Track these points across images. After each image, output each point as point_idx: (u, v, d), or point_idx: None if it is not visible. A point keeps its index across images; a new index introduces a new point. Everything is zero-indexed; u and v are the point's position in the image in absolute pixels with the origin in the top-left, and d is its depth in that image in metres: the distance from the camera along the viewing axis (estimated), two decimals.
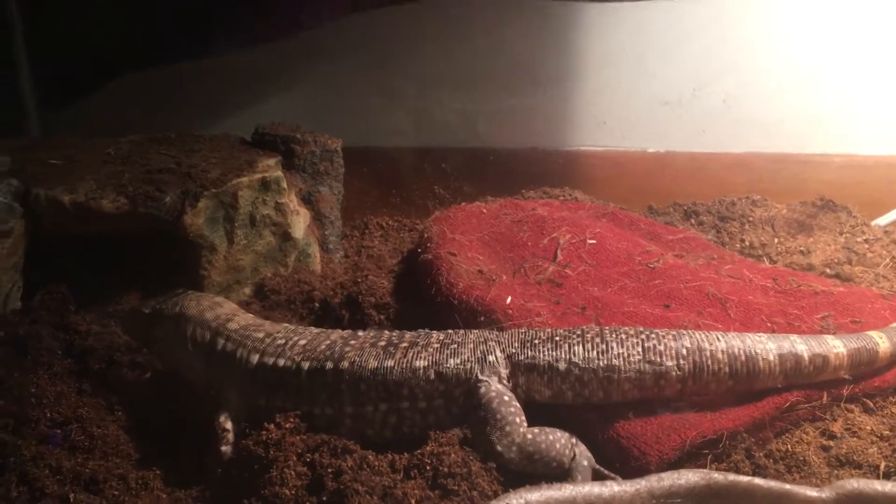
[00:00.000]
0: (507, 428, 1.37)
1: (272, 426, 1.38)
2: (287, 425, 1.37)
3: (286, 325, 1.61)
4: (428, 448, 1.32)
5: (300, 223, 2.05)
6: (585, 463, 1.37)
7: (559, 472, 1.35)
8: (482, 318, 1.62)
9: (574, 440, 1.40)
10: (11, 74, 2.69)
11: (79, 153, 2.08)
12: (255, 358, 1.50)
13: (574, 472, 1.35)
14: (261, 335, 1.53)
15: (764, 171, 2.57)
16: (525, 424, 1.39)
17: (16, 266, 1.80)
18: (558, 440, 1.38)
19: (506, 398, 1.40)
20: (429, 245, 1.90)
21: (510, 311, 1.62)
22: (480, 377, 1.42)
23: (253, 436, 1.38)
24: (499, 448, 1.36)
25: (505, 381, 1.42)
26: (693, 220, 2.38)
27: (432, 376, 1.43)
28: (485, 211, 2.12)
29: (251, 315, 1.64)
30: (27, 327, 1.64)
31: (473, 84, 2.64)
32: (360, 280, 1.94)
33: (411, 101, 2.73)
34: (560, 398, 1.44)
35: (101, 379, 1.62)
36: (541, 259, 1.88)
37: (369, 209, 2.64)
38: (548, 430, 1.39)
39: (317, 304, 1.92)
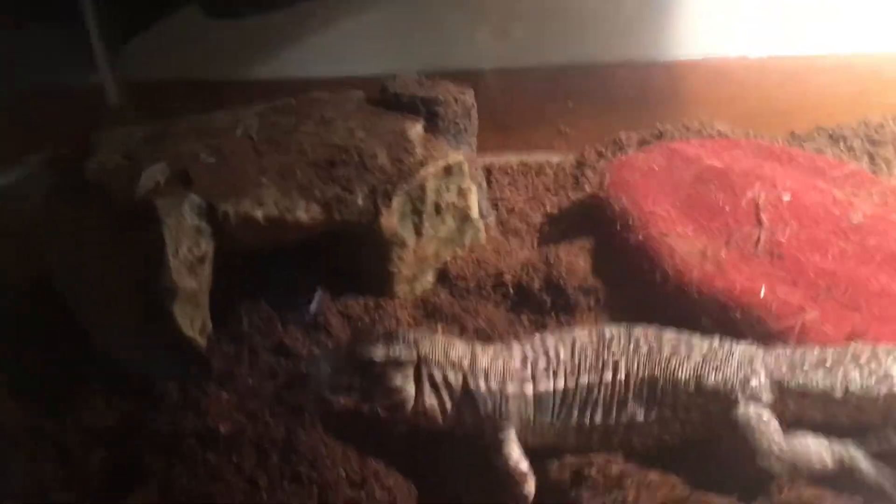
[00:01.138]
0: (765, 445, 1.37)
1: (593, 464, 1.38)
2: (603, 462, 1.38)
3: (525, 340, 1.52)
4: None
5: (475, 201, 1.93)
6: (861, 453, 1.38)
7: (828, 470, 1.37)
8: (738, 315, 1.57)
9: (834, 439, 1.39)
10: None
11: (215, 139, 1.90)
12: (528, 388, 1.43)
13: (856, 461, 1.37)
14: (517, 363, 1.46)
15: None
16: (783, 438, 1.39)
17: (208, 289, 1.68)
18: (817, 443, 1.38)
19: (764, 418, 1.39)
20: (629, 222, 1.82)
21: (768, 305, 1.57)
22: (740, 398, 1.40)
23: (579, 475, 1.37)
24: (761, 464, 1.37)
25: (767, 405, 1.40)
26: (842, 146, 2.29)
27: (692, 389, 1.41)
28: (655, 168, 2.01)
29: (479, 342, 1.53)
30: (292, 373, 1.53)
31: None
32: (552, 259, 1.86)
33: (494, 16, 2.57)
34: (833, 422, 1.42)
35: (339, 415, 1.50)
36: (745, 225, 1.81)
37: (488, 150, 2.50)
38: (800, 434, 1.39)
39: (511, 290, 1.85)
